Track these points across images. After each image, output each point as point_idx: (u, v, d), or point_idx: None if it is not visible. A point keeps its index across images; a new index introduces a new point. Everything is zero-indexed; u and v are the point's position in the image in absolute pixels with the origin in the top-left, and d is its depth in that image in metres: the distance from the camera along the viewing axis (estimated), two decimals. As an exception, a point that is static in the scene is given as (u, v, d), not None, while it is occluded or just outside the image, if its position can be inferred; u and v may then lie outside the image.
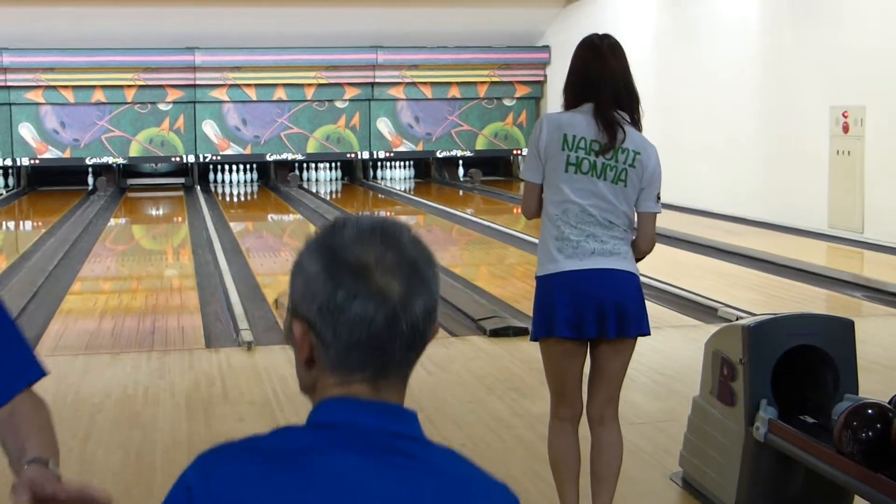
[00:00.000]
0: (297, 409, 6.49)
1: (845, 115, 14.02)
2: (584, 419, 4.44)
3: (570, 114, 4.13)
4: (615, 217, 4.08)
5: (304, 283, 1.44)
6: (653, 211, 4.19)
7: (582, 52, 4.18)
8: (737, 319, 7.46)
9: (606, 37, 4.23)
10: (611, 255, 4.07)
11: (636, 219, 4.20)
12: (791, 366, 4.46)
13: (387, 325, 1.41)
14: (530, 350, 7.88)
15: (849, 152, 14.00)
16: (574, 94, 4.15)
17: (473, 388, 6.89)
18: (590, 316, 4.08)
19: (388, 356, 1.44)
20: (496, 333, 8.27)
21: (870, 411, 3.78)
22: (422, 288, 1.44)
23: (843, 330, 4.52)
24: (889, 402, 4.03)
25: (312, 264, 1.44)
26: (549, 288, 4.11)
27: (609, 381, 4.29)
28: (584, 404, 4.39)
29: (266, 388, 6.95)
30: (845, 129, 14.04)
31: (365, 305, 1.40)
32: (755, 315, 5.50)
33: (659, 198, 4.21)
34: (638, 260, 4.24)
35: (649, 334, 4.26)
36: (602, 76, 4.08)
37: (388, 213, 20.37)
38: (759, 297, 9.98)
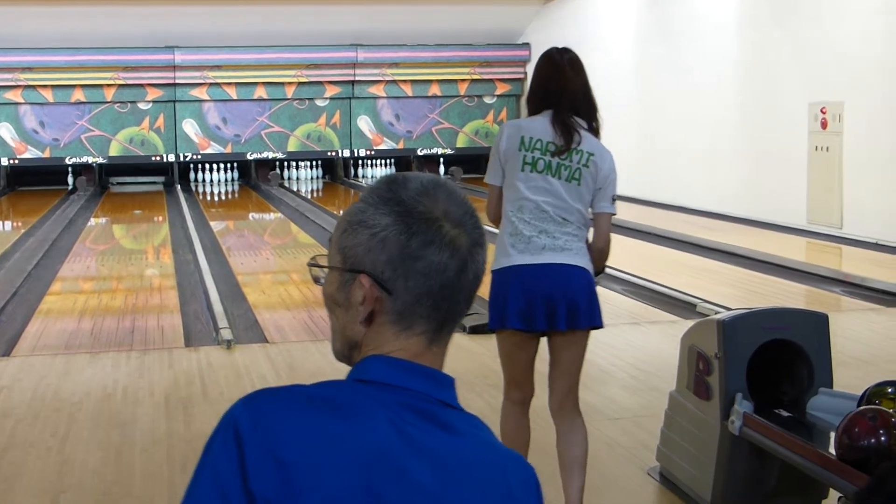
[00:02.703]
0: (276, 407, 6.49)
1: (823, 111, 14.07)
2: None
3: (529, 119, 4.36)
4: (569, 214, 4.27)
5: (370, 236, 1.45)
6: (608, 211, 4.39)
7: (542, 65, 4.41)
8: (715, 315, 7.49)
9: (566, 51, 4.44)
10: (562, 250, 4.24)
11: (592, 219, 4.38)
12: (766, 360, 4.48)
13: (457, 274, 1.45)
14: (510, 347, 7.90)
15: (827, 148, 14.05)
16: (536, 104, 4.37)
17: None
18: (540, 309, 4.23)
19: (454, 305, 1.47)
20: (475, 330, 8.27)
21: (870, 416, 3.73)
22: (482, 239, 1.49)
23: (818, 324, 4.55)
24: (861, 396, 4.06)
25: (380, 217, 1.45)
26: (503, 281, 4.27)
27: (564, 372, 4.42)
28: (546, 393, 4.55)
29: (246, 387, 6.95)
30: (824, 125, 14.09)
31: (440, 253, 1.44)
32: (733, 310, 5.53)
33: (614, 199, 4.41)
34: (598, 260, 4.41)
35: (602, 326, 4.40)
36: (561, 88, 4.29)
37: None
38: (738, 293, 10.02)
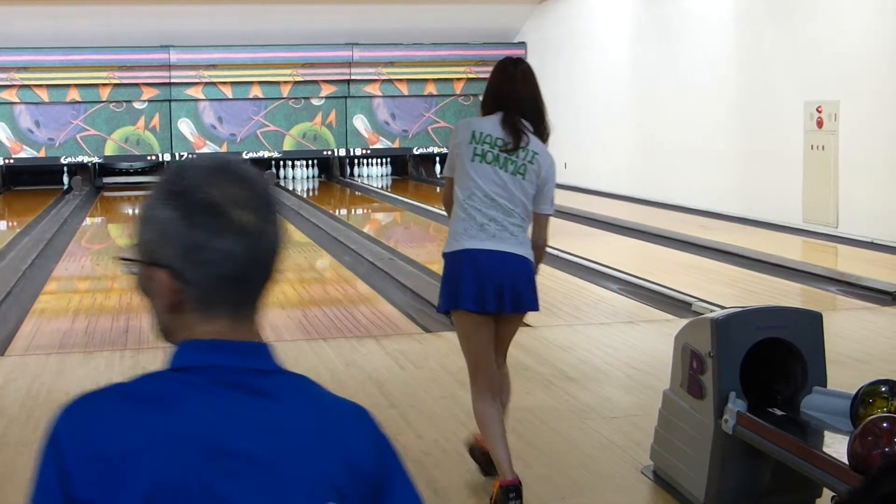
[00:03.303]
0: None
1: (819, 110, 14.07)
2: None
3: (480, 118, 4.78)
4: (514, 205, 4.63)
5: (159, 231, 1.48)
6: (547, 213, 4.77)
7: (496, 72, 4.84)
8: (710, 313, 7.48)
9: (520, 61, 4.89)
10: (509, 238, 4.63)
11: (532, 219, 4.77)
12: (760, 359, 4.47)
13: (248, 256, 1.48)
14: (504, 346, 7.89)
15: (823, 147, 14.05)
16: (489, 107, 4.78)
17: (447, 384, 6.89)
18: (490, 293, 4.63)
19: (251, 286, 1.51)
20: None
21: (885, 425, 3.65)
22: (273, 216, 1.52)
23: (812, 323, 4.54)
24: (855, 395, 4.05)
25: (165, 211, 1.47)
26: (455, 264, 4.67)
27: (501, 343, 4.92)
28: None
29: (239, 386, 6.93)
30: (819, 124, 14.09)
31: (225, 240, 1.46)
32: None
33: (552, 202, 4.79)
34: (537, 258, 4.78)
35: (538, 310, 4.86)
36: (511, 93, 4.70)
37: (366, 211, 20.37)
38: (733, 292, 10.01)
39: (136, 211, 1.53)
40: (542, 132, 4.75)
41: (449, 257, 4.71)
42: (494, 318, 4.75)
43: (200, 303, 1.48)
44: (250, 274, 1.50)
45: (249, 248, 1.48)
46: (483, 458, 5.11)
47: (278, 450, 1.45)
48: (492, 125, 4.67)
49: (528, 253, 4.69)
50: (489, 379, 4.78)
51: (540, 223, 4.78)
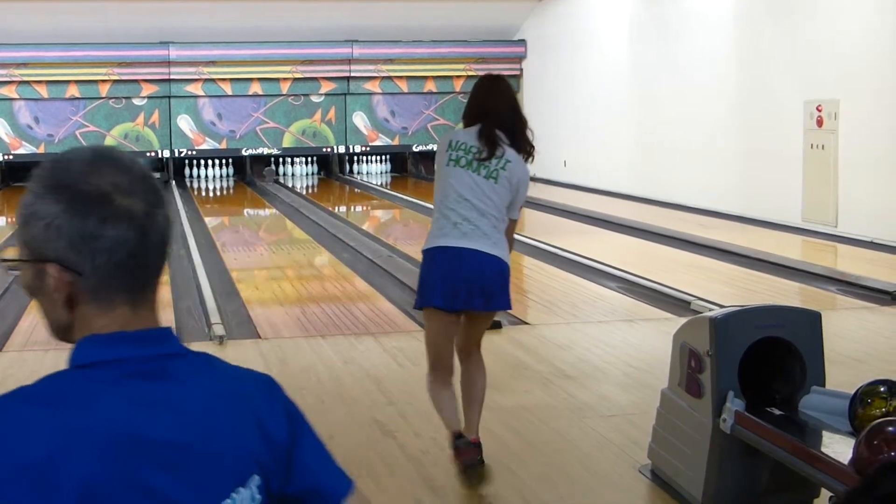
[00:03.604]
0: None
1: (819, 109, 14.05)
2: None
3: (460, 129, 5.17)
4: (488, 206, 4.88)
5: (45, 226, 1.47)
6: (515, 218, 5.08)
7: (476, 88, 5.20)
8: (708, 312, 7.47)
9: (500, 78, 5.32)
10: (481, 237, 4.85)
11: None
12: (759, 358, 4.46)
13: (140, 241, 1.48)
14: (502, 343, 7.89)
15: (823, 146, 14.03)
16: (469, 119, 5.14)
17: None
18: (461, 292, 4.86)
19: (146, 271, 1.51)
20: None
21: (891, 429, 3.62)
22: (159, 199, 1.52)
23: (811, 322, 4.53)
24: (854, 395, 4.04)
25: (49, 206, 1.47)
26: (429, 262, 4.94)
27: (472, 338, 5.17)
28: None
29: (237, 383, 6.92)
30: (819, 123, 14.08)
31: (117, 227, 1.46)
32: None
33: (519, 209, 5.10)
34: None
35: (510, 309, 5.11)
36: (489, 108, 5.04)
37: (365, 208, 20.36)
38: (732, 291, 10.00)
39: (18, 209, 1.51)
40: (521, 146, 5.05)
41: (424, 254, 5.00)
42: (465, 315, 5.00)
43: (96, 294, 1.48)
44: (144, 259, 1.49)
45: (141, 233, 1.48)
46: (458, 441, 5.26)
47: (197, 432, 1.46)
48: (468, 136, 4.99)
49: (501, 253, 4.91)
50: (447, 370, 5.14)
51: (508, 228, 5.05)
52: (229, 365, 1.58)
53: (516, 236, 5.60)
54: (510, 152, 4.97)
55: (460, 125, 5.42)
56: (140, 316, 1.51)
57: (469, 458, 5.04)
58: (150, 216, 1.49)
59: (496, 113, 5.03)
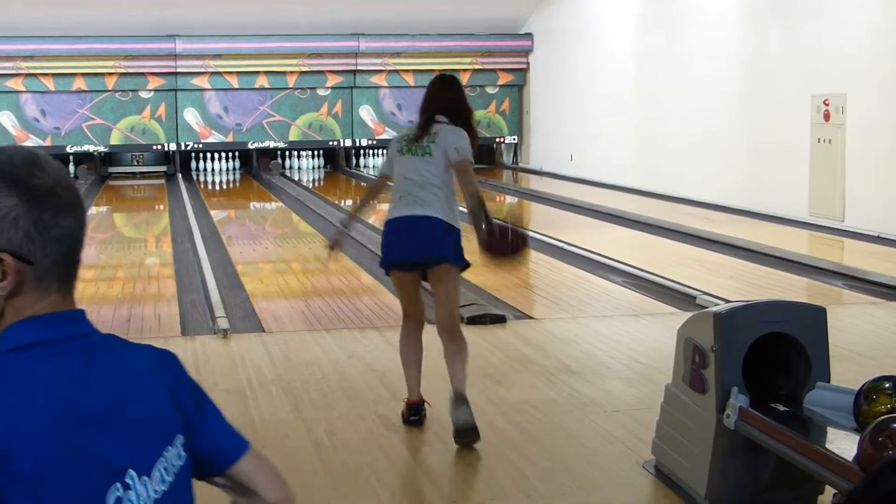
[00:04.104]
0: (271, 397, 6.46)
1: (826, 103, 14.01)
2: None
3: (408, 127, 6.16)
4: (427, 179, 5.66)
5: (2, 218, 1.56)
6: (458, 157, 5.67)
7: (428, 86, 6.01)
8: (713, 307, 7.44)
9: (447, 76, 6.16)
10: (421, 205, 5.62)
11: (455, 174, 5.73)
12: (763, 353, 4.43)
13: (79, 232, 1.62)
14: (506, 338, 7.87)
15: (830, 140, 13.99)
16: (420, 111, 5.95)
17: (448, 376, 6.85)
18: (409, 251, 5.67)
19: (76, 260, 1.64)
20: (473, 321, 8.23)
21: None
22: (80, 197, 1.65)
23: (815, 317, 4.50)
24: (859, 391, 4.02)
25: (4, 199, 1.56)
26: (386, 231, 5.80)
27: (440, 303, 5.80)
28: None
29: (241, 376, 6.92)
30: (826, 117, 14.03)
31: (67, 218, 1.59)
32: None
33: (459, 151, 5.67)
34: (474, 207, 5.63)
35: (452, 261, 5.63)
36: (430, 99, 5.91)
37: (371, 202, 20.28)
38: (738, 285, 9.97)
39: None
40: (462, 124, 5.81)
41: (384, 226, 5.87)
42: (424, 274, 5.77)
43: (40, 281, 1.58)
44: (77, 248, 1.63)
45: (79, 224, 1.62)
46: (408, 413, 5.96)
47: (123, 401, 1.61)
48: (411, 128, 5.98)
49: (440, 214, 5.62)
50: (416, 322, 5.91)
51: (459, 172, 5.70)
52: (132, 342, 1.72)
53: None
54: (441, 128, 5.75)
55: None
56: (67, 301, 1.63)
57: (411, 422, 5.87)
58: (82, 209, 1.64)
59: (437, 101, 5.87)
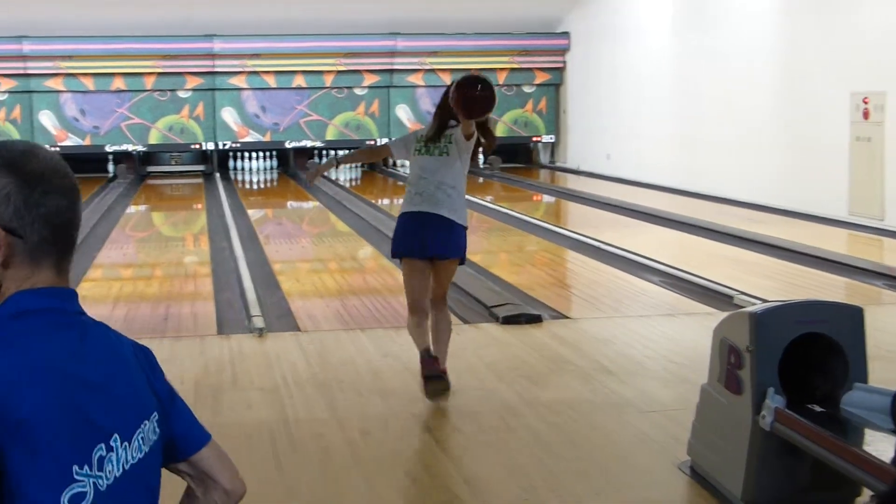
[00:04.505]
0: (306, 396, 6.47)
1: (866, 101, 13.89)
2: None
3: (427, 126, 6.50)
4: (440, 180, 6.21)
5: None
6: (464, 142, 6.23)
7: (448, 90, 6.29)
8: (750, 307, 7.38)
9: (470, 79, 6.25)
10: (435, 204, 6.19)
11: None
12: (799, 354, 4.39)
13: (72, 214, 1.78)
14: (542, 338, 7.85)
15: (869, 139, 13.87)
16: (436, 112, 6.42)
17: (484, 376, 6.85)
18: (418, 243, 6.19)
19: (70, 243, 1.80)
20: (508, 321, 8.22)
21: None
22: (77, 188, 1.81)
23: (853, 318, 4.46)
24: (897, 391, 3.97)
25: (0, 178, 1.73)
26: (400, 223, 6.34)
27: (439, 285, 6.38)
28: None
29: (275, 375, 6.93)
30: (865, 115, 13.91)
31: (56, 198, 1.75)
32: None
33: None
34: (492, 152, 6.71)
35: (456, 257, 6.28)
36: (444, 101, 6.26)
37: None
38: (776, 285, 9.89)
39: None
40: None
41: (398, 218, 6.39)
42: (431, 265, 6.27)
43: (32, 256, 1.75)
44: (70, 230, 1.79)
45: (73, 206, 1.78)
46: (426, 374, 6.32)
47: (110, 376, 1.78)
48: (427, 128, 6.42)
49: (451, 215, 6.20)
50: (422, 311, 6.30)
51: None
52: (114, 330, 1.87)
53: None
54: (455, 129, 6.22)
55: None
56: (61, 279, 1.79)
57: (430, 368, 6.20)
58: (78, 196, 1.80)
59: (445, 106, 6.23)
